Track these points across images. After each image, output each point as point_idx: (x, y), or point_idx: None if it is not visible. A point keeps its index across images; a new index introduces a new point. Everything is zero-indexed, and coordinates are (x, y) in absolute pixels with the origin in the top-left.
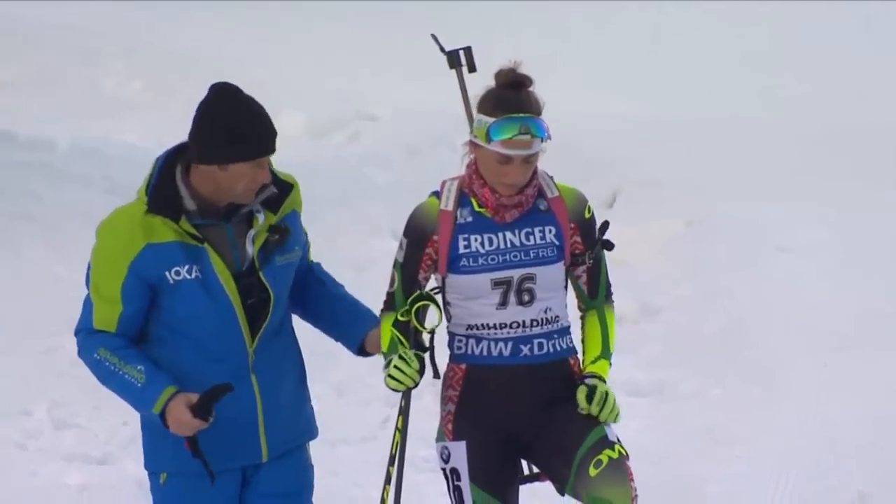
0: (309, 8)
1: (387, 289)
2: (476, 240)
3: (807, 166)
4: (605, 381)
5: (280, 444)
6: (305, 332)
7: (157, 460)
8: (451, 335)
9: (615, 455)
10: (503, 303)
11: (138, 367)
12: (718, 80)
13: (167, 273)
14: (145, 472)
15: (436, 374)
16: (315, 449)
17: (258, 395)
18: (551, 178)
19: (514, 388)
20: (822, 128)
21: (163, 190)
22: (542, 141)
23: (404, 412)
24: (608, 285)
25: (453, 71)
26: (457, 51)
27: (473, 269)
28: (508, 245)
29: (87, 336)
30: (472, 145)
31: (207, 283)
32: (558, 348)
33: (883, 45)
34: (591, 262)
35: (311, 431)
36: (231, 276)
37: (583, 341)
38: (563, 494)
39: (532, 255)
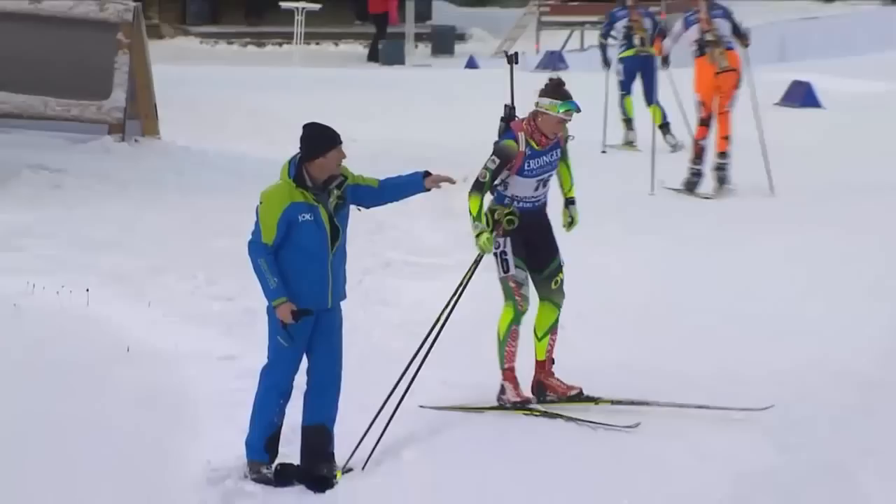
0: (320, 85)
1: (478, 178)
2: (534, 162)
3: None
4: (575, 203)
5: (335, 298)
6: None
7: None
8: (501, 195)
9: (562, 277)
10: (536, 189)
11: (274, 278)
12: None
13: (299, 216)
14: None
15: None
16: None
17: (330, 274)
18: None
19: (530, 219)
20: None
21: (300, 177)
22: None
23: (477, 262)
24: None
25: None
26: (514, 54)
27: (530, 175)
28: (545, 163)
29: (259, 246)
30: (541, 113)
31: (318, 223)
32: (545, 200)
33: None
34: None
35: (344, 295)
36: (328, 220)
37: (559, 180)
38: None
39: (552, 165)
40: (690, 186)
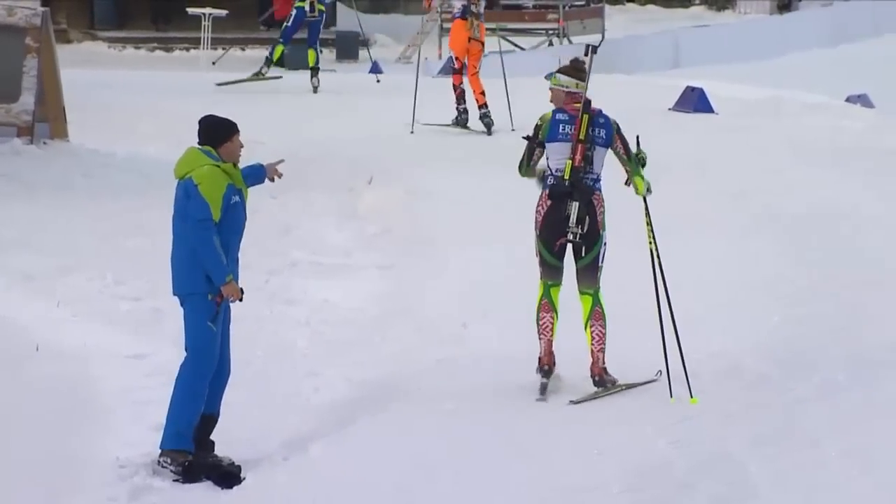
0: (228, 89)
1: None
2: None
3: None
4: None
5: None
6: None
7: (206, 288)
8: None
9: None
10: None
11: (224, 259)
12: None
13: (232, 197)
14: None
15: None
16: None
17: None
18: None
19: None
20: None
21: (220, 161)
22: None
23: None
24: None
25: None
26: (592, 46)
27: None
28: None
29: (211, 223)
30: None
31: (243, 203)
32: None
33: None
34: None
35: None
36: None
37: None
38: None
39: None
40: (462, 123)
